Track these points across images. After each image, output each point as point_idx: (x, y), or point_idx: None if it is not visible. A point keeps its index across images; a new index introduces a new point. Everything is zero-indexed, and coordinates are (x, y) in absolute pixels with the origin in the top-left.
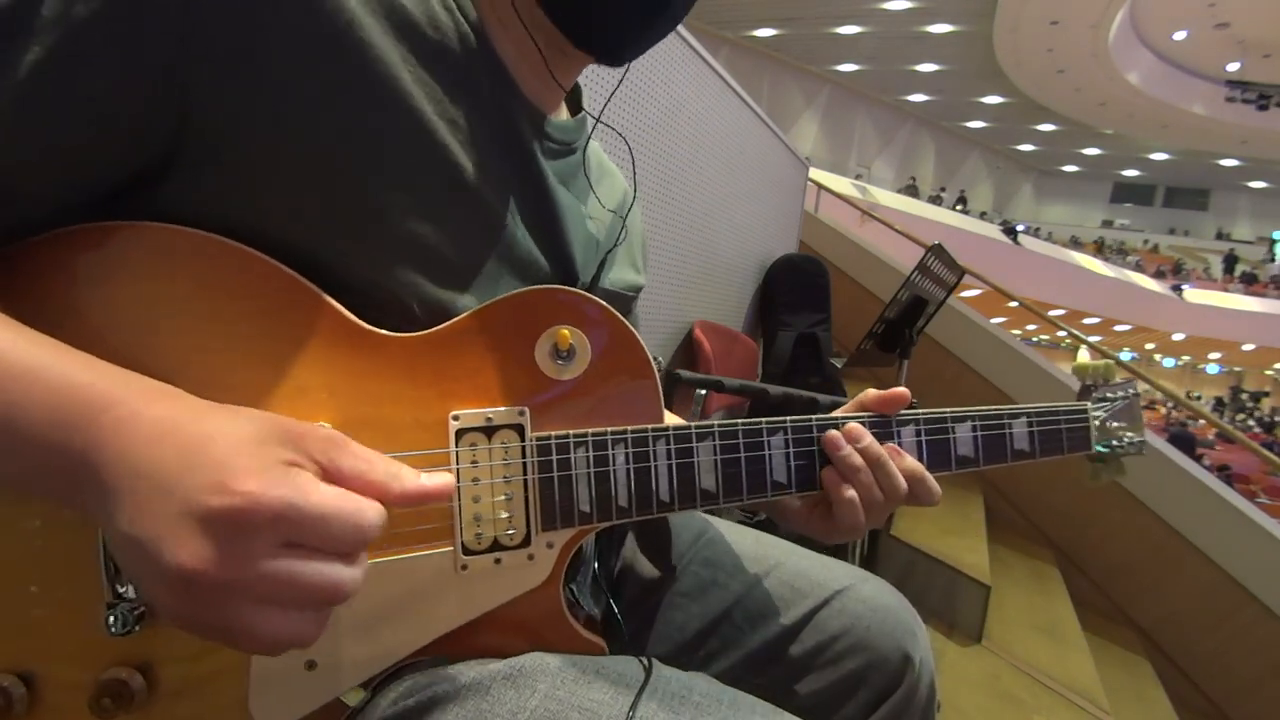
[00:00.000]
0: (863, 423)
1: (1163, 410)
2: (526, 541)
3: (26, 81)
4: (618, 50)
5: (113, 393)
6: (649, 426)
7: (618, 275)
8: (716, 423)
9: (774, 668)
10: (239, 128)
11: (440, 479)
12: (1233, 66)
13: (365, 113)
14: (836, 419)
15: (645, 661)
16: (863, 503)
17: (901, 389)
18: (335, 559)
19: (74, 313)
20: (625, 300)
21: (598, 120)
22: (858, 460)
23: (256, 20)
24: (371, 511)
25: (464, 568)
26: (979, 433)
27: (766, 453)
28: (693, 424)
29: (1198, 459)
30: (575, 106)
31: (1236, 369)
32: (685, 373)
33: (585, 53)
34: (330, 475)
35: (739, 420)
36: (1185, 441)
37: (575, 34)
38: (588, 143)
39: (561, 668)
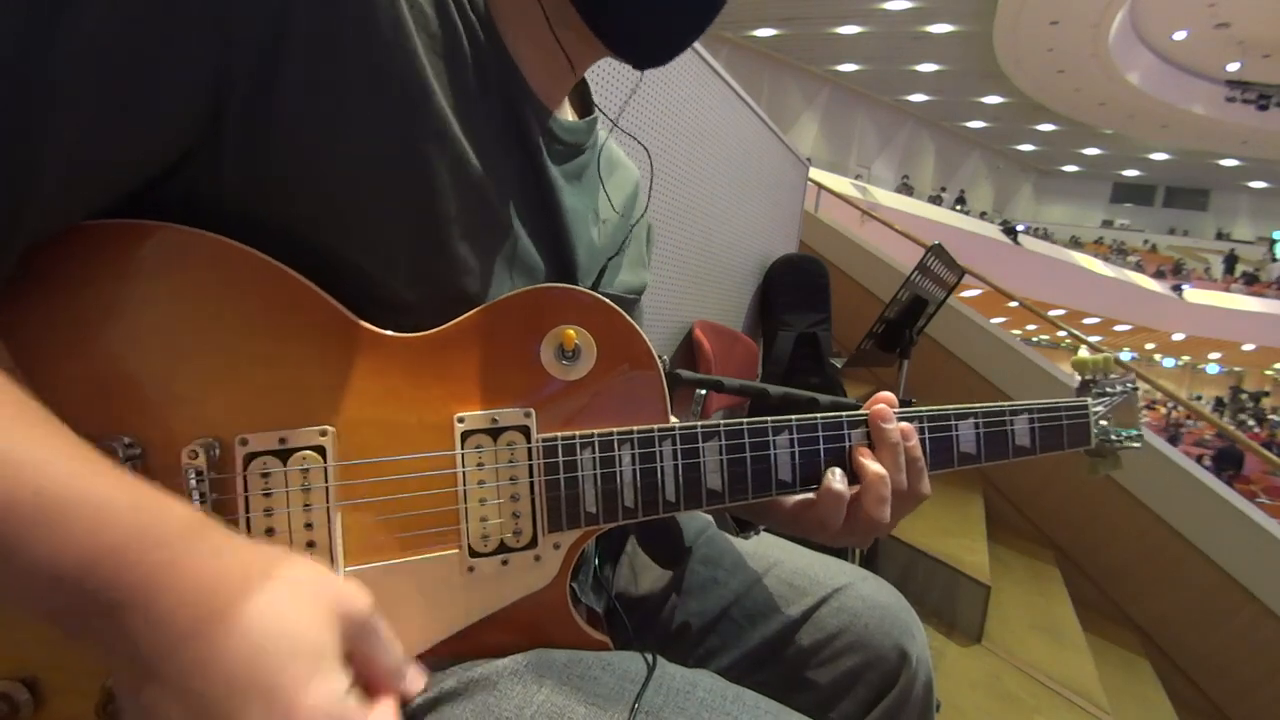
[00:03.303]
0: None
1: (1163, 410)
2: (533, 543)
3: (70, 94)
4: (651, 57)
5: (147, 533)
6: (655, 426)
7: (622, 278)
8: (722, 422)
9: (773, 665)
10: (262, 113)
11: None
12: (1233, 66)
13: (391, 104)
14: (842, 417)
15: (649, 658)
16: (893, 485)
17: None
18: None
19: (72, 309)
20: (628, 304)
21: (615, 124)
22: (897, 436)
23: (289, 5)
24: None
25: (471, 570)
26: (981, 430)
27: (772, 452)
28: (698, 423)
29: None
30: (584, 106)
31: (1236, 369)
32: (685, 372)
33: (615, 55)
34: (356, 659)
35: (744, 420)
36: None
37: (610, 38)
38: (599, 144)
39: (568, 664)
